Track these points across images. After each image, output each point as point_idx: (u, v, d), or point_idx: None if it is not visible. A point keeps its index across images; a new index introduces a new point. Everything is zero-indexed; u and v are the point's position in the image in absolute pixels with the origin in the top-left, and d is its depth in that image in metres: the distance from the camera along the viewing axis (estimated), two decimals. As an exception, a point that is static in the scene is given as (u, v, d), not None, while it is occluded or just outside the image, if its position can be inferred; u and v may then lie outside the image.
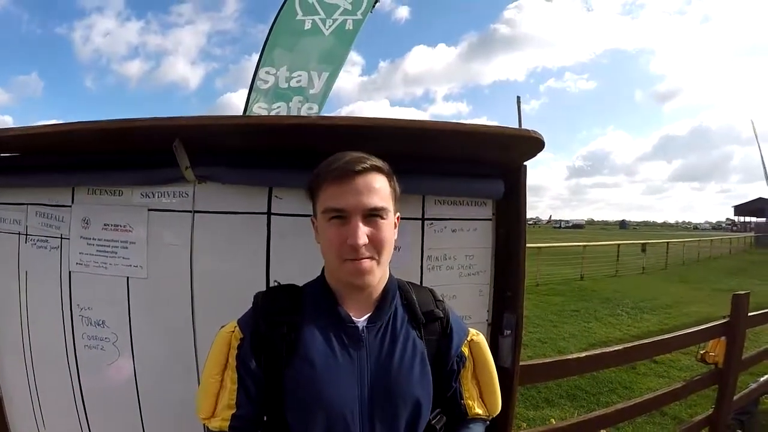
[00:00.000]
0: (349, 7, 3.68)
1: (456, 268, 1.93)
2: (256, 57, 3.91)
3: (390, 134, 1.53)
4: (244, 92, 3.74)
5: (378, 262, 1.17)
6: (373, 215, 1.14)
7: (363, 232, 1.12)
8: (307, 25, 3.69)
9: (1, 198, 2.07)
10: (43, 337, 2.00)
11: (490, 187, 1.89)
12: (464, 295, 1.93)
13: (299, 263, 1.61)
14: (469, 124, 1.54)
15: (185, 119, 1.50)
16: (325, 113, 3.59)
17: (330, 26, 3.65)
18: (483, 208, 1.96)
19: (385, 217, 1.16)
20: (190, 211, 1.79)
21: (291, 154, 1.72)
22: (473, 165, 1.88)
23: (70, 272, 1.93)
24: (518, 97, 2.32)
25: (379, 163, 1.19)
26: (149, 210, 1.82)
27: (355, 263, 1.14)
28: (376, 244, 1.15)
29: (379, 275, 1.20)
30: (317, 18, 3.69)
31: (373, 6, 3.72)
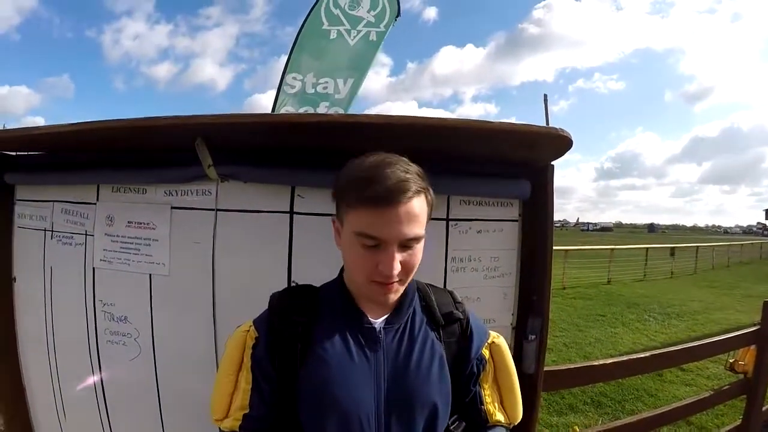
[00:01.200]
0: (373, 20, 3.81)
1: (481, 270, 1.89)
2: (284, 59, 4.02)
3: (414, 132, 1.50)
4: (273, 93, 3.84)
5: (404, 283, 1.15)
6: (409, 243, 1.10)
7: (397, 261, 1.07)
8: (333, 35, 3.82)
9: (27, 195, 2.11)
10: (66, 332, 2.02)
11: (517, 188, 1.85)
12: (488, 297, 1.89)
13: (321, 263, 1.59)
14: (495, 122, 1.50)
15: (207, 117, 1.48)
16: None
17: (355, 37, 3.78)
18: (509, 209, 1.91)
19: (420, 241, 1.11)
20: (212, 210, 1.79)
21: (314, 153, 1.71)
22: (499, 164, 1.84)
23: (93, 268, 1.94)
24: (545, 95, 2.26)
25: (420, 183, 1.10)
26: (172, 208, 1.83)
27: (382, 286, 1.10)
28: (407, 269, 1.11)
29: (402, 291, 1.17)
30: (342, 29, 3.82)
31: (396, 19, 3.83)
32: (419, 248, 1.13)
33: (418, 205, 1.09)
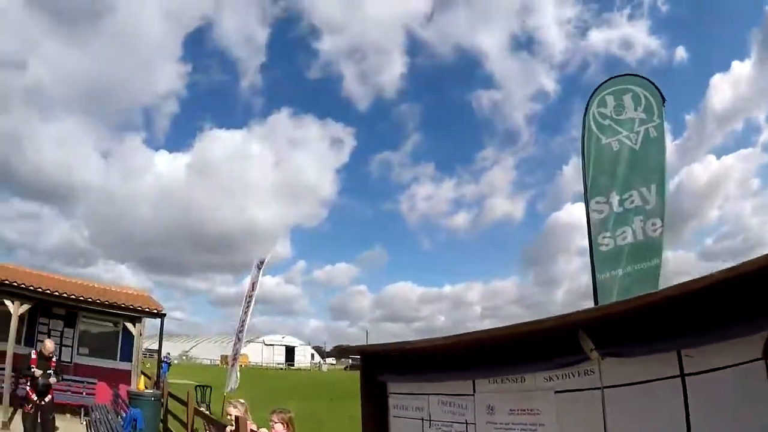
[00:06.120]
0: (644, 116, 3.67)
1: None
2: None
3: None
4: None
5: None
6: None
7: None
8: (615, 146, 3.74)
9: (400, 389, 2.33)
10: None
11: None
12: None
13: (728, 427, 1.42)
14: None
15: (585, 312, 1.52)
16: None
17: (636, 140, 3.65)
18: None
19: None
20: (598, 388, 1.75)
21: (699, 311, 1.59)
22: None
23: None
24: None
25: None
26: (555, 392, 1.83)
27: None
28: None
29: None
30: (621, 136, 3.73)
31: (663, 105, 3.64)
32: None
33: None
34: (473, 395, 2.04)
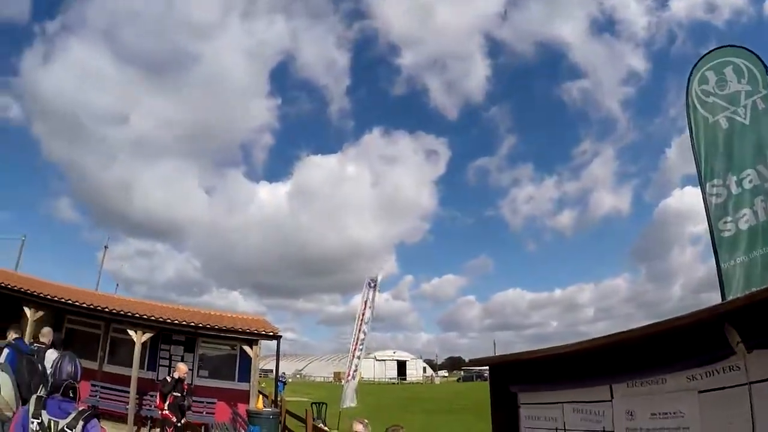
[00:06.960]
0: (749, 88, 3.42)
1: None
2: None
3: None
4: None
5: None
6: None
7: None
8: (724, 124, 3.53)
9: (531, 399, 2.33)
10: None
11: None
12: None
13: None
14: None
15: (729, 303, 1.48)
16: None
17: (745, 114, 3.42)
18: None
19: None
20: (744, 384, 1.68)
21: None
22: None
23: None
24: None
25: None
26: (699, 392, 1.78)
27: None
28: None
29: None
30: (728, 113, 3.51)
31: (767, 72, 3.39)
32: None
33: None
34: (611, 401, 2.02)
